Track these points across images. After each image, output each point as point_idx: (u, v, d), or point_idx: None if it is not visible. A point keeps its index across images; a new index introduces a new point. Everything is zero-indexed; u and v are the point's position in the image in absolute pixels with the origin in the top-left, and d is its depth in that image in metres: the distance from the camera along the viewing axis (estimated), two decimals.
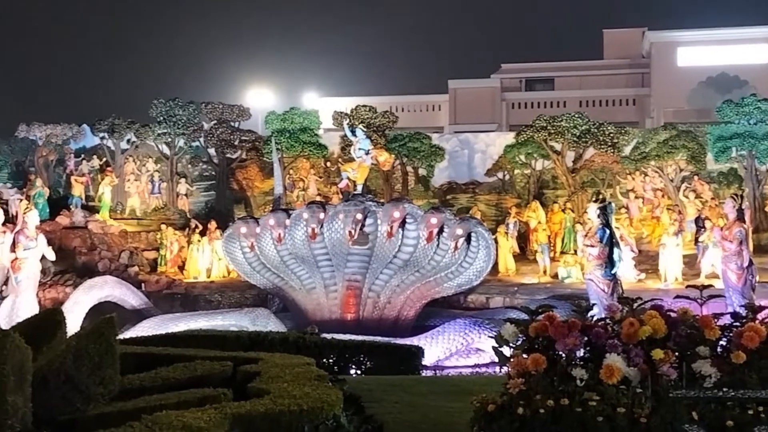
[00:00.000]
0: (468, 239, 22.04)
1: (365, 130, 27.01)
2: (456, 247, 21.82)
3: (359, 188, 24.42)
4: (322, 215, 22.30)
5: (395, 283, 22.73)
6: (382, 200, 26.58)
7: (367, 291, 22.69)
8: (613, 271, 18.02)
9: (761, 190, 30.74)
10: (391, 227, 21.75)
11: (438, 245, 22.09)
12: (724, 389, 5.16)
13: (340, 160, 33.36)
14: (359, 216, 21.78)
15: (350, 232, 21.74)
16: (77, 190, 33.56)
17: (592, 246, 18.10)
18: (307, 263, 23.03)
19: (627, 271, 24.32)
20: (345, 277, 22.71)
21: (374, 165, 26.33)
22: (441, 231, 21.92)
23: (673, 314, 5.51)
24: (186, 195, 35.69)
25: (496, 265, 25.85)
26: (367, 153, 24.60)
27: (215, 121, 35.87)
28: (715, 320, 5.51)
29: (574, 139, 31.79)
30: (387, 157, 26.24)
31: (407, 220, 22.01)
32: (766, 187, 30.99)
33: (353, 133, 25.68)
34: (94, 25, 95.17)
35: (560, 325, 5.31)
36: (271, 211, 24.67)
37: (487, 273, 23.15)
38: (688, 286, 6.46)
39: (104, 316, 6.78)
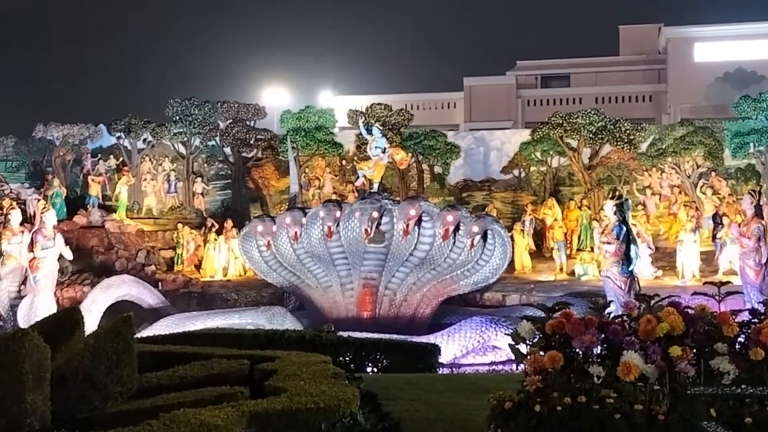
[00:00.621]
0: (484, 237, 22.00)
1: (381, 128, 26.97)
2: (472, 245, 21.78)
3: (375, 186, 24.42)
4: (338, 214, 22.30)
5: (411, 281, 22.72)
6: (397, 198, 26.57)
7: (383, 289, 22.70)
8: (630, 268, 17.98)
9: None
10: (407, 225, 21.74)
11: (454, 243, 22.06)
12: (743, 386, 5.14)
13: (355, 158, 33.38)
14: (375, 214, 21.77)
15: (366, 230, 21.75)
16: (94, 190, 33.70)
17: (609, 243, 18.06)
18: (324, 262, 23.06)
19: (644, 268, 24.23)
20: (361, 276, 22.72)
21: (389, 163, 26.32)
22: (457, 229, 21.89)
23: (690, 311, 5.48)
24: (202, 194, 35.80)
25: (512, 262, 25.81)
26: (384, 151, 24.58)
27: (231, 120, 35.95)
28: (733, 317, 5.49)
29: (590, 135, 31.65)
30: (404, 156, 26.19)
31: (423, 218, 22.00)
32: None
33: (368, 131, 25.68)
34: (111, 25, 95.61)
35: (577, 323, 5.30)
36: (288, 210, 24.69)
37: (503, 270, 23.10)
38: (705, 283, 6.44)
39: (122, 315, 6.83)
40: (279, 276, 24.00)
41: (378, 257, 22.47)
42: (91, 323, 18.66)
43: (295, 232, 22.68)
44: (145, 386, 6.76)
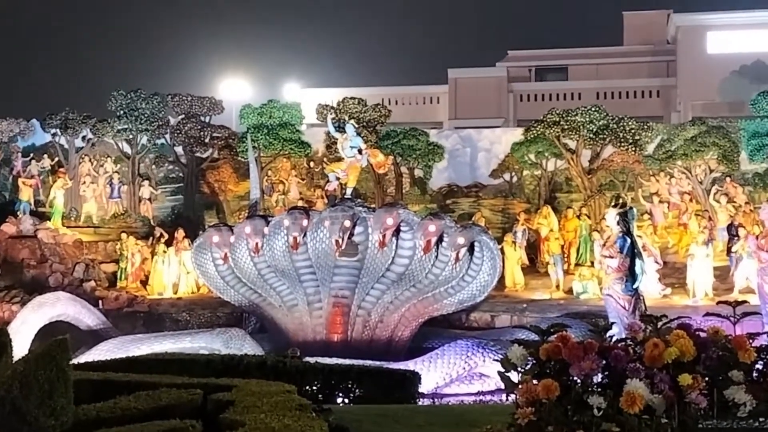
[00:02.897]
0: (471, 250, 22.04)
1: (356, 125, 26.82)
2: (457, 259, 21.82)
3: (348, 192, 24.40)
4: (305, 222, 22.27)
5: (388, 299, 22.72)
6: (373, 206, 26.56)
7: (356, 309, 22.68)
8: (634, 286, 18.06)
9: None
10: (384, 236, 21.74)
11: (436, 256, 22.09)
12: (761, 419, 5.17)
13: (325, 159, 33.39)
14: (347, 223, 21.76)
15: (337, 241, 21.73)
16: (25, 194, 33.45)
17: (611, 257, 18.14)
18: (288, 277, 23.02)
19: (650, 286, 24.36)
20: (331, 293, 22.69)
21: (365, 166, 26.22)
22: (440, 240, 21.92)
23: (702, 334, 5.51)
24: (149, 199, 35.65)
25: (502, 278, 25.87)
26: (360, 152, 24.49)
27: (183, 116, 35.86)
28: (750, 341, 5.52)
29: (591, 135, 31.86)
30: (383, 159, 26.07)
31: (402, 228, 22.02)
32: None
33: (338, 128, 25.60)
34: (45, 9, 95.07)
35: (575, 347, 5.31)
36: (247, 218, 24.63)
37: (492, 288, 23.13)
38: (719, 303, 6.47)
39: (56, 337, 6.77)
40: (237, 293, 23.93)
41: (350, 272, 22.47)
42: (20, 347, 18.51)
43: (256, 244, 22.64)
44: (82, 419, 6.71)
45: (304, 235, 22.31)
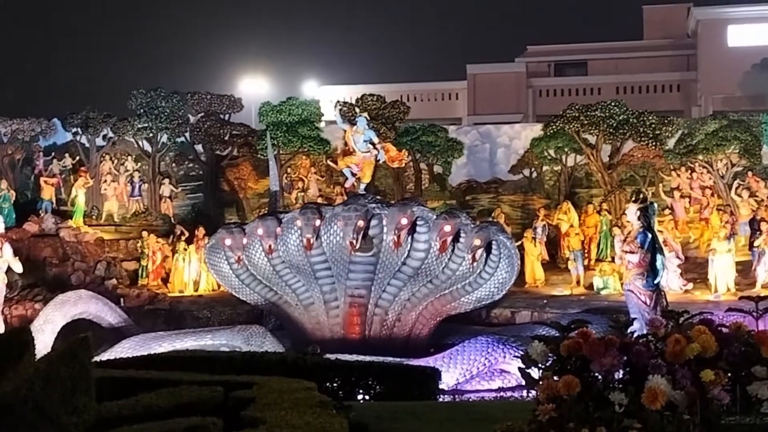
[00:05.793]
0: (488, 248, 21.88)
1: (369, 119, 26.20)
2: (474, 259, 21.64)
3: (362, 187, 24.22)
4: (317, 223, 21.90)
5: (405, 296, 22.60)
6: (392, 201, 26.35)
7: (372, 307, 22.51)
8: (655, 281, 17.98)
9: None
10: (398, 236, 21.57)
11: (453, 251, 21.94)
12: None
13: (341, 155, 33.26)
14: (361, 223, 21.48)
15: (351, 242, 21.54)
16: (47, 193, 33.67)
17: (632, 252, 18.06)
18: (304, 273, 22.90)
19: (672, 281, 24.31)
20: (347, 292, 22.51)
21: (380, 161, 25.96)
22: (457, 237, 21.78)
23: (724, 330, 5.48)
24: (170, 197, 35.78)
25: (522, 275, 25.80)
26: (374, 146, 24.27)
27: (202, 114, 35.93)
28: None
29: (611, 130, 31.73)
30: (396, 153, 25.83)
31: (417, 223, 21.85)
32: None
33: (347, 120, 25.36)
34: (66, 8, 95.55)
35: (596, 343, 5.29)
36: (259, 218, 24.45)
37: (510, 285, 23.01)
38: (741, 298, 6.43)
39: (78, 335, 6.80)
40: (253, 292, 23.80)
41: (366, 269, 22.30)
42: (43, 345, 18.68)
43: (269, 246, 22.43)
44: (104, 417, 6.74)
45: (317, 234, 22.12)
